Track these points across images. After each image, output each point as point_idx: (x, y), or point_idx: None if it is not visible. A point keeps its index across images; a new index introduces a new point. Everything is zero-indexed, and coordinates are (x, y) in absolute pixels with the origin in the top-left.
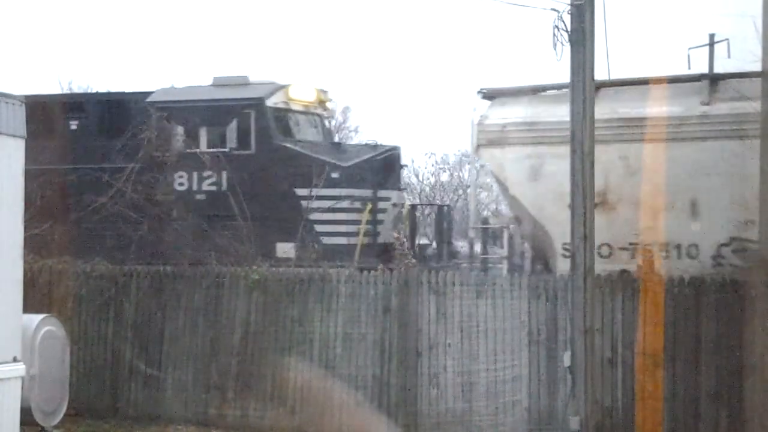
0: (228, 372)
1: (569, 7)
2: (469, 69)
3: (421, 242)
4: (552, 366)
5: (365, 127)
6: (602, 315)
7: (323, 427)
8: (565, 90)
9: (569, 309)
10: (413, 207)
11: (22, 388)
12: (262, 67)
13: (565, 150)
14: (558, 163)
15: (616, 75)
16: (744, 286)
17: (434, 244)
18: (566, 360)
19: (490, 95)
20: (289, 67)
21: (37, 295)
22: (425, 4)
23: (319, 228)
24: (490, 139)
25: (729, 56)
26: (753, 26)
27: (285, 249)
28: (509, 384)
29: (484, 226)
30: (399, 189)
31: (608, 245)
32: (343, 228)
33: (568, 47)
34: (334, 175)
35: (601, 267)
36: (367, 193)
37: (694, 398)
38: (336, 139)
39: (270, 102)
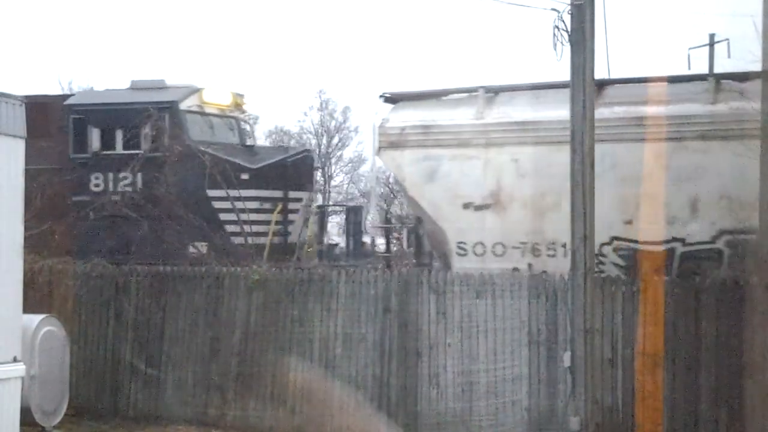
0: (228, 372)
1: (569, 7)
2: (468, 69)
3: (329, 242)
4: (552, 366)
5: (365, 127)
6: (602, 315)
7: (323, 427)
8: (465, 94)
9: (569, 309)
10: (321, 207)
11: (22, 388)
12: (265, 68)
13: (460, 152)
14: (453, 165)
15: (616, 75)
16: (744, 287)
17: (342, 243)
18: (566, 360)
19: (392, 99)
20: (291, 68)
21: (37, 295)
22: (425, 3)
23: (229, 228)
24: (391, 141)
25: (729, 56)
26: (753, 26)
27: (197, 248)
28: (509, 384)
29: (384, 225)
30: (311, 190)
31: (502, 244)
32: (252, 228)
33: (568, 47)
34: (244, 176)
35: (496, 265)
36: (277, 194)
37: (694, 398)
38: (251, 142)
39: (183, 105)
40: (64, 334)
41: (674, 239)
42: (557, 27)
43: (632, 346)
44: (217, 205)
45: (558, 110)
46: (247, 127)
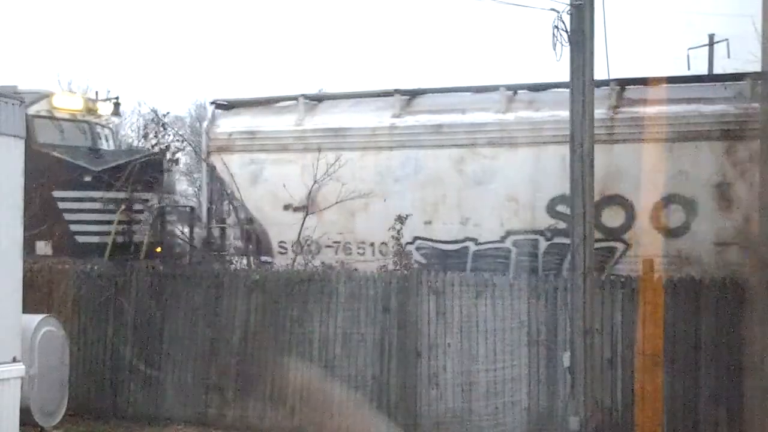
0: (228, 372)
1: (569, 8)
2: (467, 69)
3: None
4: (552, 366)
5: None
6: (602, 315)
7: (323, 427)
8: (290, 102)
9: (569, 309)
10: (162, 208)
11: (22, 388)
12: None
13: (281, 156)
14: (275, 169)
15: (616, 75)
16: (744, 287)
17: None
18: (566, 360)
19: (223, 105)
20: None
21: (37, 295)
22: (424, 3)
23: (74, 228)
24: (219, 146)
25: (729, 56)
26: (753, 26)
27: (42, 247)
28: (509, 384)
29: (217, 225)
30: (161, 192)
31: (317, 243)
32: (95, 228)
33: (567, 47)
34: (87, 178)
35: (313, 263)
36: (121, 195)
37: (694, 398)
38: (108, 146)
39: (32, 110)
40: (63, 334)
41: (467, 239)
42: (557, 27)
43: (632, 346)
44: (62, 205)
45: (369, 117)
46: (106, 132)
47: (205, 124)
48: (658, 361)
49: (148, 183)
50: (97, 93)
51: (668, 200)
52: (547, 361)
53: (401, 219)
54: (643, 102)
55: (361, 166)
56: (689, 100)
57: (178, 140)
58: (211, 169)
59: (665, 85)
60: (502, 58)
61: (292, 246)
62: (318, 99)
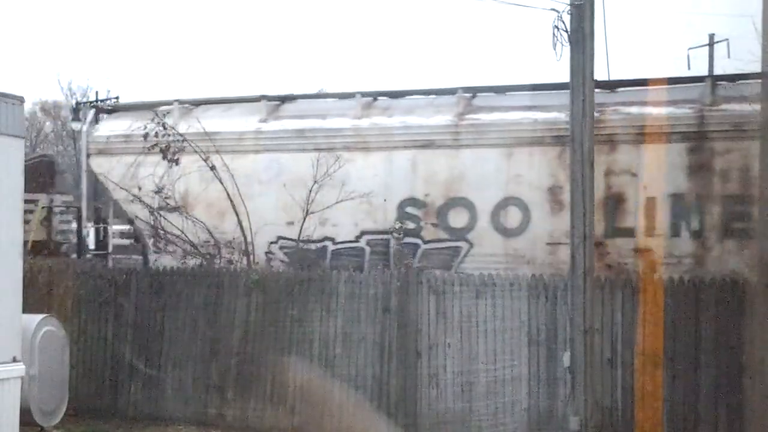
0: (228, 372)
1: (569, 8)
2: (468, 69)
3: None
4: (552, 366)
5: None
6: (602, 315)
7: (323, 427)
8: (169, 106)
9: (569, 309)
10: (49, 209)
11: (22, 388)
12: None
13: (155, 159)
14: (149, 171)
15: (616, 75)
16: (744, 287)
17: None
18: (566, 360)
19: (103, 109)
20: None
21: (37, 295)
22: (423, 3)
23: None
24: (99, 149)
25: (729, 56)
26: (753, 26)
27: None
28: (509, 384)
29: (96, 225)
30: (51, 192)
31: (190, 242)
32: None
33: (567, 47)
34: None
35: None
36: None
37: (694, 398)
38: None
39: None
40: (63, 334)
41: (326, 238)
42: (557, 27)
43: (632, 346)
44: None
45: (238, 122)
46: None
47: (84, 127)
48: (658, 361)
49: (41, 184)
50: (97, 93)
51: (506, 202)
52: (547, 361)
53: (401, 219)
54: (487, 109)
55: (230, 168)
56: (526, 108)
57: (178, 140)
58: (90, 171)
59: (508, 93)
60: (502, 58)
61: (165, 245)
62: (195, 104)
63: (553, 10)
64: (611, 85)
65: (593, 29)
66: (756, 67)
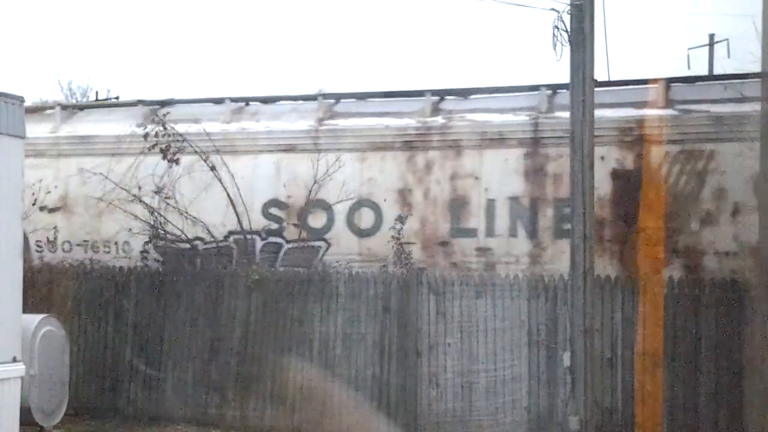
0: (228, 372)
1: (569, 8)
2: (466, 69)
3: None
4: (552, 366)
5: None
6: (602, 315)
7: (323, 427)
8: (51, 110)
9: (569, 309)
10: None
11: (22, 388)
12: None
13: (37, 161)
14: (31, 173)
15: (616, 75)
16: (744, 286)
17: None
18: (566, 360)
19: None
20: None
21: (37, 295)
22: (422, 2)
23: None
24: None
25: (729, 56)
26: (753, 26)
27: None
28: (509, 384)
29: None
30: None
31: (69, 242)
32: None
33: (567, 47)
34: None
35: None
36: None
37: (694, 398)
38: None
39: None
40: (63, 334)
41: (197, 238)
42: (557, 27)
43: (632, 345)
44: None
45: (117, 126)
46: None
47: None
48: (658, 361)
49: None
50: (97, 93)
51: (360, 204)
52: (547, 360)
53: (401, 219)
54: (346, 115)
55: (108, 171)
56: (381, 114)
57: (178, 140)
58: None
59: (368, 100)
60: (503, 58)
61: (47, 245)
62: (79, 107)
63: (553, 10)
64: (465, 92)
65: (593, 29)
66: (756, 67)
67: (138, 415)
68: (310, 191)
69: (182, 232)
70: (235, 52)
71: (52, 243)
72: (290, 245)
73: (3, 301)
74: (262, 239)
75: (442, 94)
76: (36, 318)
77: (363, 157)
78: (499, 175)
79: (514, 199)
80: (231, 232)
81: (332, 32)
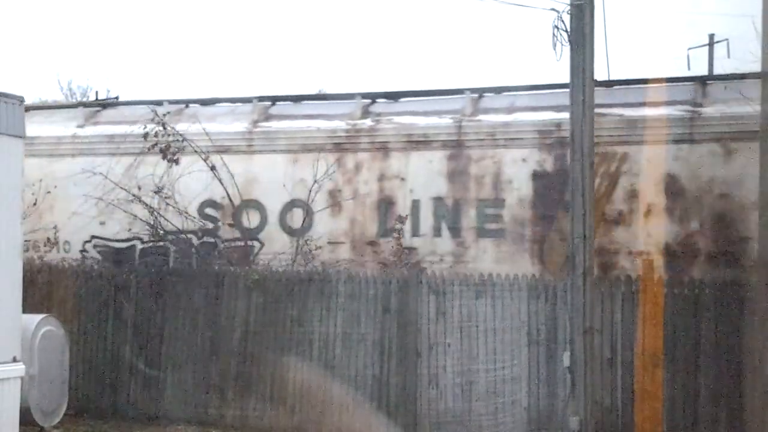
0: (228, 372)
1: (569, 8)
2: (469, 69)
3: None
4: (552, 366)
5: None
6: (602, 315)
7: (323, 427)
8: None
9: (569, 309)
10: None
11: (22, 388)
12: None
13: None
14: None
15: (616, 75)
16: (744, 287)
17: None
18: (566, 360)
19: None
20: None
21: (37, 295)
22: (422, 2)
23: None
24: None
25: (729, 56)
26: (753, 26)
27: None
28: (509, 384)
29: None
30: None
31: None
32: None
33: (567, 47)
34: None
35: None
36: None
37: (694, 398)
38: None
39: None
40: (63, 333)
41: (135, 237)
42: (557, 27)
43: (632, 346)
44: None
45: (58, 128)
46: None
47: None
48: (658, 361)
49: None
50: (97, 93)
51: (292, 204)
52: (547, 360)
53: (401, 219)
54: (279, 117)
55: (49, 171)
56: (313, 116)
57: (178, 140)
58: None
59: (302, 102)
60: (502, 59)
61: None
62: (25, 109)
63: (553, 10)
64: (394, 95)
65: (593, 29)
66: (756, 67)
67: (138, 415)
68: (244, 192)
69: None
70: (235, 53)
71: None
72: (225, 244)
73: (3, 301)
74: (199, 239)
75: (372, 97)
76: (36, 318)
77: (295, 158)
78: (424, 177)
79: (438, 200)
80: (168, 232)
81: (332, 32)
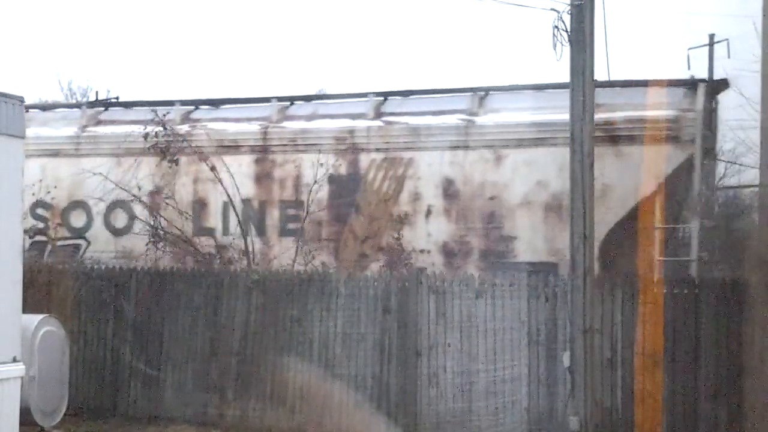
0: (228, 372)
1: (569, 8)
2: (467, 70)
3: None
4: (552, 366)
5: None
6: (602, 315)
7: (323, 427)
8: None
9: (569, 309)
10: None
11: (22, 388)
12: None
13: None
14: None
15: (616, 75)
16: (744, 287)
17: None
18: (566, 360)
19: None
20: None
21: (37, 295)
22: (421, 2)
23: None
24: None
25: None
26: (753, 26)
27: None
28: (509, 384)
29: None
30: None
31: None
32: None
33: (567, 47)
34: None
35: None
36: None
37: (694, 398)
38: None
39: None
40: (63, 334)
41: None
42: (557, 27)
43: (632, 346)
44: None
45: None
46: None
47: None
48: (658, 360)
49: None
50: (97, 93)
51: (115, 205)
52: (546, 361)
53: (401, 219)
54: (109, 122)
55: None
56: (137, 122)
57: (178, 140)
58: None
59: (133, 108)
60: (502, 58)
61: None
62: None
63: (553, 10)
64: (214, 102)
65: (593, 29)
66: (756, 68)
67: (138, 415)
68: (71, 193)
69: None
70: (235, 53)
71: None
72: (54, 243)
73: (3, 301)
74: (30, 238)
75: (195, 104)
76: (36, 318)
77: (119, 161)
78: (234, 179)
79: (246, 201)
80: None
81: (333, 32)
